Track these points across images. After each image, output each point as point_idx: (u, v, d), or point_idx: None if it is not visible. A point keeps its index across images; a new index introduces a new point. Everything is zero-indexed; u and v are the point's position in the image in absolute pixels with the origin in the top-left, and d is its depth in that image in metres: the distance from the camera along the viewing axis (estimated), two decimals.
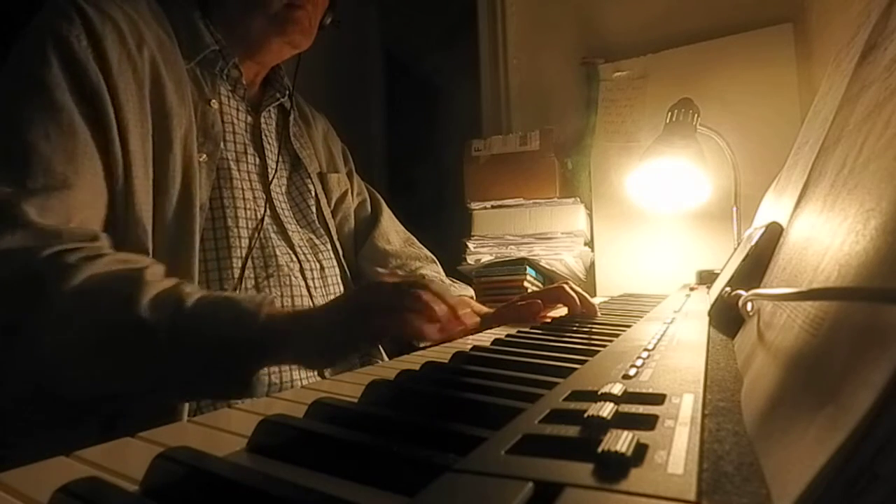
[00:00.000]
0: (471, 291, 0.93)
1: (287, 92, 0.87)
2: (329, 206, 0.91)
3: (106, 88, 0.60)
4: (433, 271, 0.95)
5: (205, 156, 0.70)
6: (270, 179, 0.80)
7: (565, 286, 0.75)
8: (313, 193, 0.87)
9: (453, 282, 0.93)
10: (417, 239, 1.05)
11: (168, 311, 0.50)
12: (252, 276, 0.72)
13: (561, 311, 0.78)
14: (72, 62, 0.59)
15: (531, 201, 1.33)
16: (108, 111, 0.60)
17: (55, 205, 0.55)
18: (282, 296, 0.74)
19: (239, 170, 0.75)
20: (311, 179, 0.88)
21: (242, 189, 0.74)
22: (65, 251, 0.52)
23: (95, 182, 0.58)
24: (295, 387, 0.72)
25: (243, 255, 0.72)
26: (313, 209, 0.86)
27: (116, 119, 0.60)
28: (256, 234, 0.74)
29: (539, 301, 0.77)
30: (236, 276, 0.70)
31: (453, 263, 1.36)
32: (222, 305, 0.52)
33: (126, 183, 0.61)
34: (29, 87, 0.58)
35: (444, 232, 1.46)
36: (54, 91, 0.58)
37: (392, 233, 0.99)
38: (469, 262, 1.34)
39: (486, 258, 1.32)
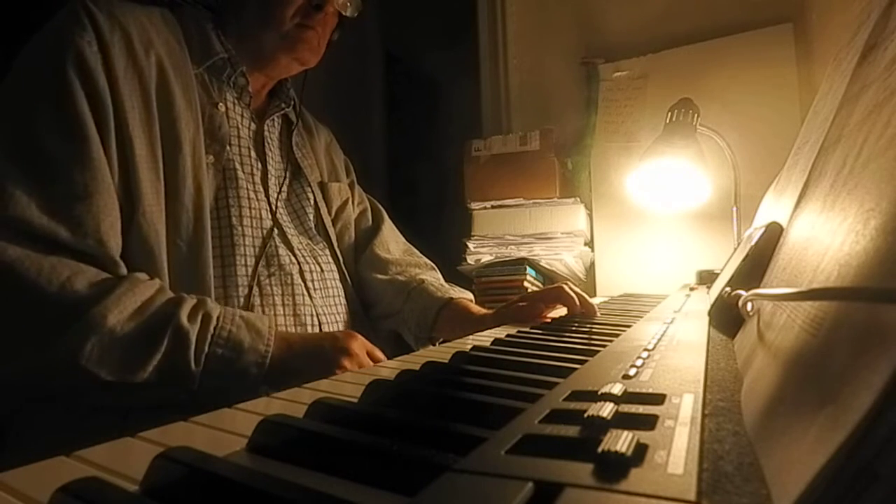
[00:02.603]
0: (469, 295, 0.93)
1: (292, 102, 0.90)
2: (329, 215, 0.93)
3: (110, 95, 0.62)
4: (432, 277, 0.96)
5: (211, 157, 0.72)
6: (279, 188, 0.82)
7: (564, 286, 0.76)
8: (312, 202, 0.89)
9: (452, 286, 0.94)
10: (418, 238, 1.06)
11: (199, 321, 0.59)
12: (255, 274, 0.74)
13: (560, 311, 0.78)
14: (84, 68, 0.60)
15: (531, 201, 1.33)
16: (110, 118, 0.61)
17: (83, 216, 0.57)
18: (283, 294, 0.76)
19: (243, 171, 0.76)
20: (310, 188, 0.89)
21: (247, 190, 0.75)
22: (100, 280, 0.57)
23: (110, 186, 0.61)
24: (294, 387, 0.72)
25: (247, 253, 0.73)
26: (311, 217, 0.88)
27: (120, 125, 0.62)
28: (265, 239, 0.76)
29: (540, 303, 0.77)
30: (240, 273, 0.72)
31: (453, 263, 1.36)
32: (242, 325, 0.62)
33: (133, 187, 0.62)
34: (43, 93, 0.60)
35: (444, 232, 1.46)
36: (68, 97, 0.59)
37: (392, 242, 1.00)
38: (469, 262, 1.34)
39: (486, 258, 1.32)
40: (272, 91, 0.89)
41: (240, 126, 0.79)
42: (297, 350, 0.63)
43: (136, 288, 0.57)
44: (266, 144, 0.83)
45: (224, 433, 0.28)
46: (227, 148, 0.74)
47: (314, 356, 0.62)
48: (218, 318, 0.60)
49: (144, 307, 0.57)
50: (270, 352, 0.61)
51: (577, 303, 0.74)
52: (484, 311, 0.84)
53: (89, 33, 0.61)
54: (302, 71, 0.86)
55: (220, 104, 0.75)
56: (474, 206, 1.37)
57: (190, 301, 0.60)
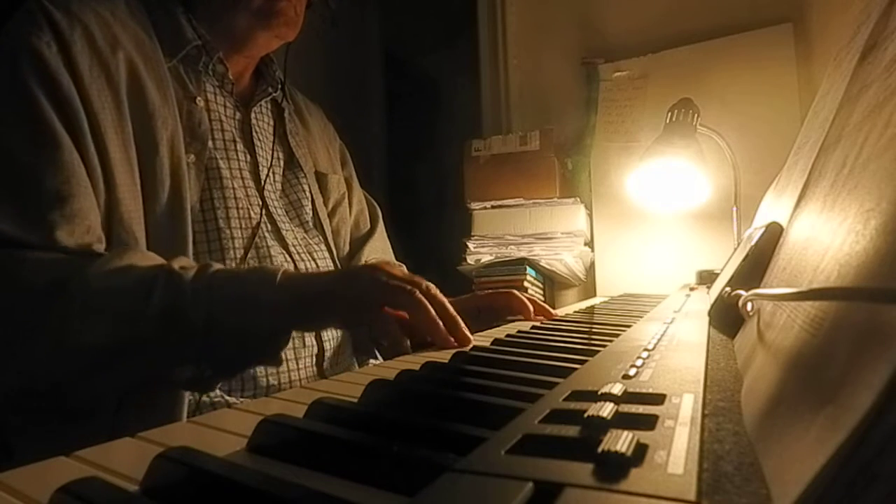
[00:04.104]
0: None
1: (280, 86, 0.85)
2: (326, 207, 0.90)
3: (78, 96, 0.58)
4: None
5: (193, 156, 0.68)
6: (263, 178, 0.77)
7: (515, 293, 0.75)
8: (308, 193, 0.85)
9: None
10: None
11: (194, 269, 0.55)
12: None
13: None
14: (44, 71, 0.57)
15: (531, 201, 1.33)
16: (82, 120, 0.58)
17: (57, 222, 0.55)
18: None
19: (230, 168, 0.73)
20: (306, 179, 0.85)
21: (234, 188, 0.72)
22: (82, 257, 0.55)
23: (88, 188, 0.58)
24: (294, 387, 0.72)
25: (237, 256, 0.70)
26: (307, 209, 0.84)
27: (92, 127, 0.59)
28: (254, 234, 0.72)
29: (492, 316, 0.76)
30: None
31: (453, 263, 1.36)
32: (244, 269, 0.57)
33: (109, 192, 0.60)
34: (5, 101, 0.57)
35: (444, 232, 1.46)
36: (31, 102, 0.56)
37: (378, 250, 0.98)
38: (469, 262, 1.34)
39: (486, 258, 1.32)
40: (257, 73, 0.84)
41: (223, 118, 0.74)
42: (319, 275, 0.59)
43: (124, 254, 0.55)
44: (255, 133, 0.79)
45: (224, 433, 0.28)
46: (210, 145, 0.70)
47: (342, 278, 0.57)
48: (218, 268, 0.56)
49: (132, 267, 0.54)
50: (280, 272, 0.55)
51: (530, 307, 0.73)
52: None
53: (47, 34, 0.58)
54: (282, 45, 0.81)
55: (199, 98, 0.71)
56: (474, 206, 1.37)
57: (185, 259, 0.57)
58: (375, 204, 1.05)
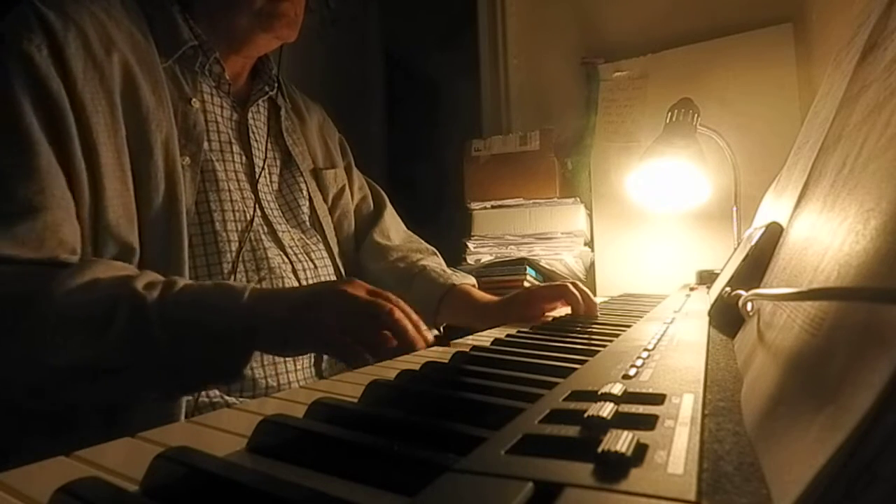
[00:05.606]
0: (472, 280, 0.91)
1: (276, 85, 0.84)
2: (325, 204, 0.89)
3: (69, 100, 0.57)
4: (434, 262, 0.93)
5: (188, 158, 0.67)
6: (257, 178, 0.77)
7: (569, 285, 0.75)
8: (305, 192, 0.85)
9: (454, 271, 0.92)
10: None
11: (159, 288, 0.53)
12: (244, 279, 0.70)
13: (565, 309, 0.78)
14: (33, 76, 0.56)
15: (531, 201, 1.33)
16: (70, 125, 0.57)
17: (26, 235, 0.53)
18: None
19: (225, 170, 0.72)
20: (303, 178, 0.85)
21: (229, 190, 0.71)
22: (47, 268, 0.53)
23: (65, 199, 0.56)
24: (293, 387, 0.72)
25: (233, 258, 0.69)
26: (305, 209, 0.84)
27: (82, 132, 0.58)
28: (246, 237, 0.72)
29: (543, 303, 0.76)
30: (227, 280, 0.68)
31: (453, 263, 1.36)
32: (210, 286, 0.55)
33: (97, 198, 0.58)
34: None
35: (444, 232, 1.46)
36: (14, 107, 0.55)
37: (393, 230, 0.97)
38: (469, 262, 1.34)
39: (486, 258, 1.32)
40: (254, 72, 0.83)
41: (219, 119, 0.74)
42: (289, 294, 0.57)
43: (86, 269, 0.53)
44: (251, 134, 0.78)
45: (224, 433, 0.28)
46: (205, 146, 0.70)
47: (310, 296, 0.55)
48: (183, 285, 0.54)
49: (96, 282, 0.52)
50: (247, 293, 0.53)
51: (581, 302, 0.73)
52: (488, 297, 0.82)
53: (39, 36, 0.56)
54: (279, 47, 0.80)
55: (195, 99, 0.70)
56: (474, 206, 1.37)
57: (150, 274, 0.55)
58: (379, 188, 1.03)
